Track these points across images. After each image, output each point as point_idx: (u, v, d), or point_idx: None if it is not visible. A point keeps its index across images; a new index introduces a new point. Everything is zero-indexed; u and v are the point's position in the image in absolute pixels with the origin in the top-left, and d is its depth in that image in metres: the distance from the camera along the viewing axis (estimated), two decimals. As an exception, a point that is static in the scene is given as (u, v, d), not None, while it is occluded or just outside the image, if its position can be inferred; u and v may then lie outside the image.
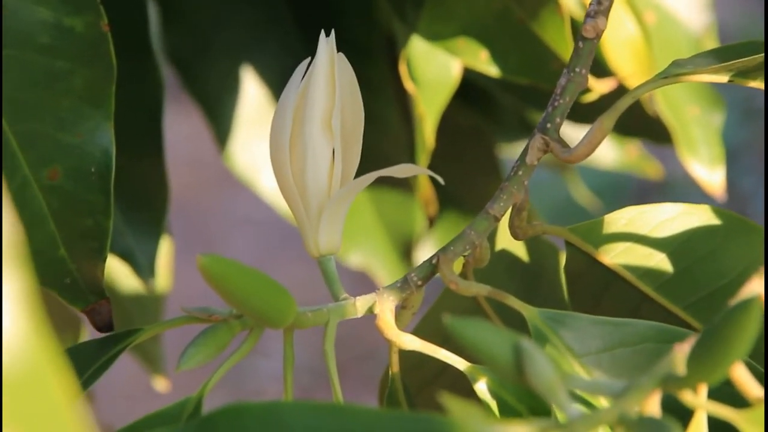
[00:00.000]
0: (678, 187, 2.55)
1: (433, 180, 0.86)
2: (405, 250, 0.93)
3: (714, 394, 0.46)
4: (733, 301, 0.40)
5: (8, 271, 0.29)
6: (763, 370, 0.50)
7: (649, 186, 2.58)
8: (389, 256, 0.93)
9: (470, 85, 0.93)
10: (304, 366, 2.23)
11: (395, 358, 0.56)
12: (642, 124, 0.93)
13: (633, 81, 0.79)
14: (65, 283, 0.57)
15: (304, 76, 0.55)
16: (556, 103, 0.57)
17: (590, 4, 0.56)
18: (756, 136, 2.69)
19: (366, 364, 2.39)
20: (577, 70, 0.56)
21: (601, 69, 0.80)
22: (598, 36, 0.56)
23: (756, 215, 2.53)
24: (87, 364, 0.54)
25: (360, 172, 0.55)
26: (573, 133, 0.96)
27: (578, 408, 0.42)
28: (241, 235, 2.69)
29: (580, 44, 0.57)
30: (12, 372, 0.29)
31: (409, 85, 0.82)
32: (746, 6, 2.87)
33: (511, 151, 1.04)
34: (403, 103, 0.91)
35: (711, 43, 0.88)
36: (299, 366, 2.21)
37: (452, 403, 0.38)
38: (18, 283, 0.29)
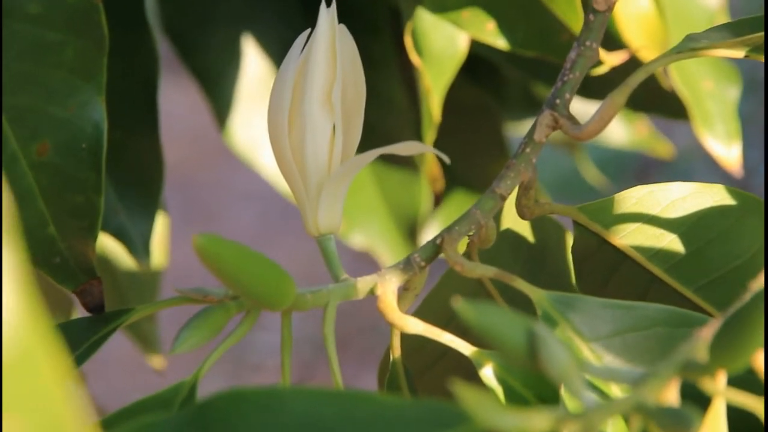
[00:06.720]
0: (683, 163, 2.53)
1: (438, 158, 0.85)
2: (409, 230, 0.91)
3: (732, 382, 0.44)
4: (756, 285, 0.39)
5: (4, 249, 0.29)
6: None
7: (654, 160, 2.57)
8: (393, 237, 0.91)
9: (476, 61, 0.92)
10: (305, 338, 2.22)
11: (397, 342, 0.54)
12: (656, 99, 0.92)
13: (645, 53, 0.78)
14: (55, 262, 0.55)
15: (303, 48, 0.54)
16: (565, 78, 0.55)
17: (602, -25, 0.55)
18: (760, 108, 2.67)
19: (367, 337, 2.37)
20: (588, 43, 0.55)
21: (611, 41, 0.78)
22: (610, 8, 0.55)
23: (759, 188, 2.52)
24: (78, 343, 0.52)
25: (364, 150, 0.53)
26: (583, 108, 0.95)
27: (592, 396, 0.40)
28: (242, 209, 2.67)
29: (591, 17, 0.55)
30: (6, 353, 0.29)
31: (414, 57, 0.80)
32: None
33: (517, 130, 1.03)
34: (408, 79, 0.89)
35: (723, 19, 0.86)
36: (299, 338, 2.20)
37: (462, 390, 0.36)
38: (12, 262, 0.29)
